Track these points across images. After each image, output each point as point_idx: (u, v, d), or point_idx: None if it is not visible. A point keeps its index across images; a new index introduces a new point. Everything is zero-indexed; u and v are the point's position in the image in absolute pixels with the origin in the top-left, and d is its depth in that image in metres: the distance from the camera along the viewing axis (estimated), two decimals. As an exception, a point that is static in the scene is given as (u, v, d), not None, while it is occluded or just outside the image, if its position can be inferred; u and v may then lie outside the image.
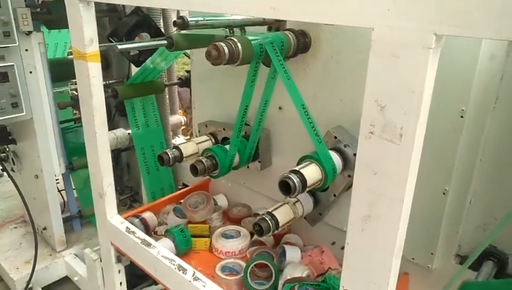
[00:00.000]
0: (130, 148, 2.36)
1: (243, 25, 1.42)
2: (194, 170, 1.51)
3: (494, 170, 1.25)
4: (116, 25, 1.79)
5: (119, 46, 1.33)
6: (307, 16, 0.82)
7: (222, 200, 1.98)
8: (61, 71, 2.12)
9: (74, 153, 2.29)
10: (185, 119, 2.46)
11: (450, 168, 1.25)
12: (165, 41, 1.42)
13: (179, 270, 1.41)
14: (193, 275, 1.39)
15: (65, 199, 2.45)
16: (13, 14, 1.72)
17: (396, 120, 0.74)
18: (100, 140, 1.56)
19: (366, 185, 0.83)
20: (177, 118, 2.29)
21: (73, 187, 2.43)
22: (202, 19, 1.30)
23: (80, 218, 2.46)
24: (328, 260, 1.50)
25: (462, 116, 1.19)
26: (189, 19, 1.27)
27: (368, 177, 0.82)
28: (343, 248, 1.70)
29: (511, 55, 1.14)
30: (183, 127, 2.60)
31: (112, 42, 1.64)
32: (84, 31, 1.41)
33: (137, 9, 1.71)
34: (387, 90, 0.74)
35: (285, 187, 1.21)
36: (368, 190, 0.83)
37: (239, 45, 1.19)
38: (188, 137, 2.48)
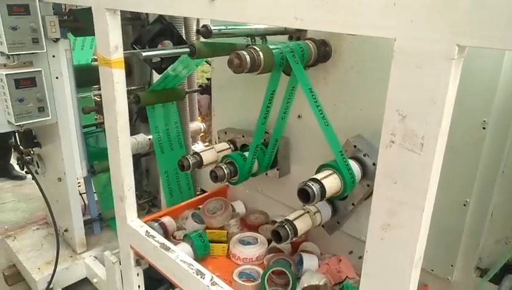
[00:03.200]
0: (150, 154, 2.40)
1: (264, 34, 1.44)
2: (213, 176, 1.52)
3: (516, 181, 1.23)
4: (140, 33, 1.84)
5: (144, 54, 1.37)
6: (330, 26, 0.84)
7: (240, 207, 1.99)
8: (85, 77, 2.18)
9: (95, 157, 2.35)
10: (204, 126, 2.49)
11: (471, 180, 1.24)
12: (187, 49, 1.45)
13: (197, 275, 1.43)
14: (211, 280, 1.41)
15: (86, 202, 2.50)
16: (42, 22, 1.78)
17: (418, 130, 0.75)
18: (122, 144, 1.60)
19: (386, 194, 0.83)
20: (197, 124, 2.32)
21: (94, 191, 2.48)
22: (225, 27, 1.33)
23: (100, 221, 2.50)
24: (346, 269, 1.49)
25: (484, 128, 1.18)
26: (212, 28, 1.30)
27: (388, 186, 0.82)
28: (360, 257, 1.69)
29: (535, 66, 1.13)
30: (202, 134, 2.64)
31: (136, 49, 1.69)
32: (110, 38, 1.45)
33: (161, 18, 1.75)
34: (408, 99, 0.75)
35: (304, 195, 1.21)
36: (387, 199, 0.83)
37: (260, 53, 1.21)
38: (207, 144, 2.51)
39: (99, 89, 2.23)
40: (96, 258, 2.33)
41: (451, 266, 1.35)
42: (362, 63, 1.41)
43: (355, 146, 1.36)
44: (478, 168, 1.23)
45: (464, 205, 1.27)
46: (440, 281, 1.39)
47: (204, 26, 1.30)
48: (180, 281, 1.51)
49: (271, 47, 1.26)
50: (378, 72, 1.37)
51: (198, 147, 2.41)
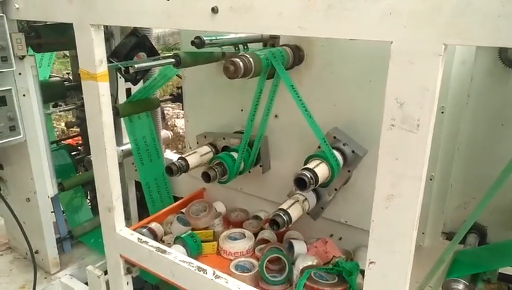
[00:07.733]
0: (121, 165, 2.41)
1: (245, 42, 1.57)
2: (206, 176, 1.62)
3: (469, 155, 1.48)
4: (116, 47, 1.88)
5: (136, 65, 1.43)
6: (332, 33, 0.99)
7: (220, 207, 2.09)
8: (47, 94, 2.15)
9: (60, 174, 2.31)
10: (171, 133, 2.55)
11: (435, 156, 1.47)
12: (172, 60, 1.54)
13: (200, 271, 1.51)
14: (214, 274, 1.50)
15: (54, 220, 2.44)
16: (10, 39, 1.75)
17: (414, 113, 0.93)
18: (109, 155, 1.64)
19: (388, 169, 1.00)
20: (165, 132, 2.38)
21: (62, 208, 2.43)
22: (215, 38, 1.44)
23: (70, 239, 2.45)
24: (332, 249, 1.66)
25: (442, 112, 1.42)
26: (204, 39, 1.40)
27: (391, 162, 0.99)
28: (341, 238, 1.88)
29: (478, 60, 1.38)
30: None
31: (113, 62, 1.73)
32: (95, 53, 1.50)
33: (135, 31, 1.81)
34: (405, 90, 0.93)
35: (300, 183, 1.36)
36: (390, 173, 1.00)
37: (251, 59, 1.34)
38: (175, 151, 2.57)
39: (66, 104, 2.23)
40: (72, 276, 2.29)
41: (423, 233, 1.57)
42: (333, 65, 1.59)
43: (335, 137, 1.53)
44: (440, 147, 1.46)
45: (430, 179, 1.50)
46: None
47: (198, 37, 1.40)
48: (180, 281, 1.57)
49: (258, 53, 1.39)
50: (348, 71, 1.56)
51: (169, 154, 2.46)
